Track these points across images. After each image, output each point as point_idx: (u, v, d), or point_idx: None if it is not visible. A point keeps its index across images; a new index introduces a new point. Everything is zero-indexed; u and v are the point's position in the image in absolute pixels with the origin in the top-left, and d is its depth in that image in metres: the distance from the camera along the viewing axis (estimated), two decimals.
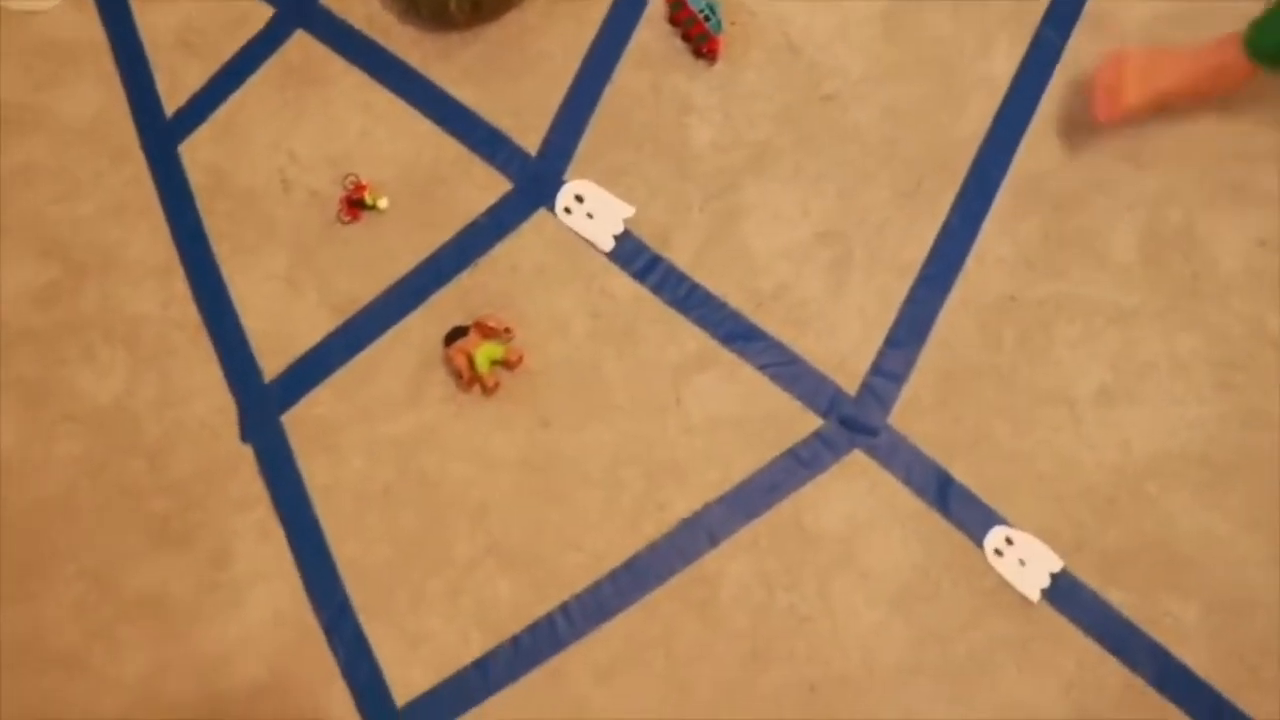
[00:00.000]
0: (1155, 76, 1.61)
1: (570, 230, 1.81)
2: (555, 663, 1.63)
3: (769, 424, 1.68)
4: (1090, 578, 1.55)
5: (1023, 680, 1.54)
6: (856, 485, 1.64)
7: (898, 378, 1.67)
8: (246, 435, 1.81)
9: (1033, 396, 1.63)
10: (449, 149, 1.89)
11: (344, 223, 1.87)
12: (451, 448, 1.74)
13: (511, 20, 1.93)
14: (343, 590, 1.71)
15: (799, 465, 1.66)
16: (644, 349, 1.74)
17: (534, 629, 1.65)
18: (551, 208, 1.82)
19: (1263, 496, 1.55)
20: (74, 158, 2.01)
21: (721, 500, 1.66)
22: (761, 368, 1.70)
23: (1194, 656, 1.51)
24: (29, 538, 1.81)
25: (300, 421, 1.80)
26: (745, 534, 1.64)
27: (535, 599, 1.66)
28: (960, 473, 1.62)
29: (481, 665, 1.65)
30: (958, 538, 1.60)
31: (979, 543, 1.59)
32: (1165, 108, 1.67)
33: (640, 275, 1.77)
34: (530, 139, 1.87)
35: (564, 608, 1.65)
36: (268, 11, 2.03)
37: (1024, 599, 1.56)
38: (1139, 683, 1.52)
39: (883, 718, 1.56)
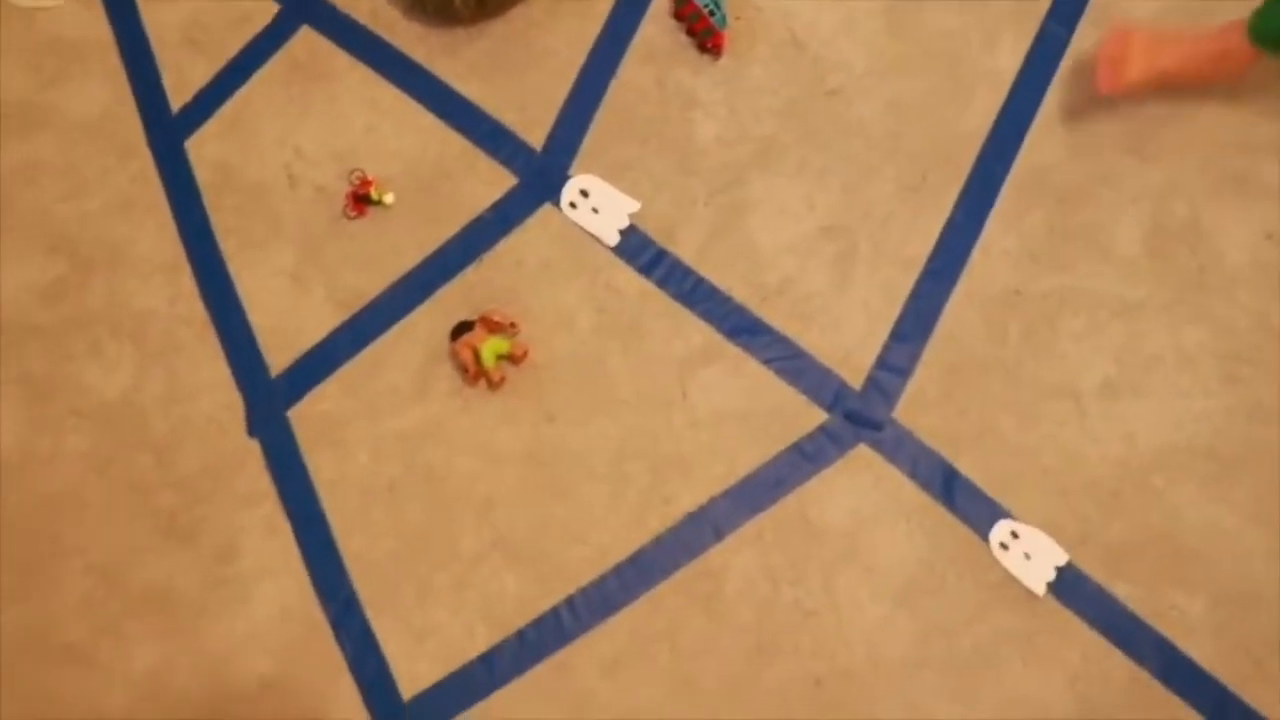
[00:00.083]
0: (1160, 54, 1.62)
1: (575, 225, 1.81)
2: (561, 656, 1.64)
3: (774, 418, 1.68)
4: (1095, 571, 1.55)
5: (1028, 674, 1.54)
6: (861, 479, 1.64)
7: (903, 372, 1.67)
8: (253, 430, 1.81)
9: (1038, 390, 1.63)
10: (454, 144, 1.89)
11: (350, 218, 1.88)
12: (457, 442, 1.75)
13: (516, 16, 1.94)
14: (349, 585, 1.71)
15: (804, 459, 1.66)
16: (649, 343, 1.74)
17: (539, 623, 1.65)
18: (557, 203, 1.82)
19: (1269, 489, 1.55)
20: (81, 154, 2.02)
21: (726, 494, 1.66)
22: (766, 362, 1.70)
23: (1199, 650, 1.51)
24: (37, 533, 1.81)
25: (307, 416, 1.80)
26: (750, 528, 1.65)
27: (541, 593, 1.66)
28: (965, 466, 1.62)
29: (487, 659, 1.65)
30: (963, 531, 1.60)
31: (984, 536, 1.59)
32: (1167, 87, 1.67)
33: (645, 270, 1.77)
34: (535, 134, 1.87)
35: (569, 602, 1.65)
36: (273, 8, 2.04)
37: (1029, 593, 1.56)
38: (1144, 676, 1.52)
39: (888, 711, 1.56)
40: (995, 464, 1.62)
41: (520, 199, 1.84)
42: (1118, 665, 1.52)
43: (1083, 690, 1.52)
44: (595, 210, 1.81)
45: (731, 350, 1.72)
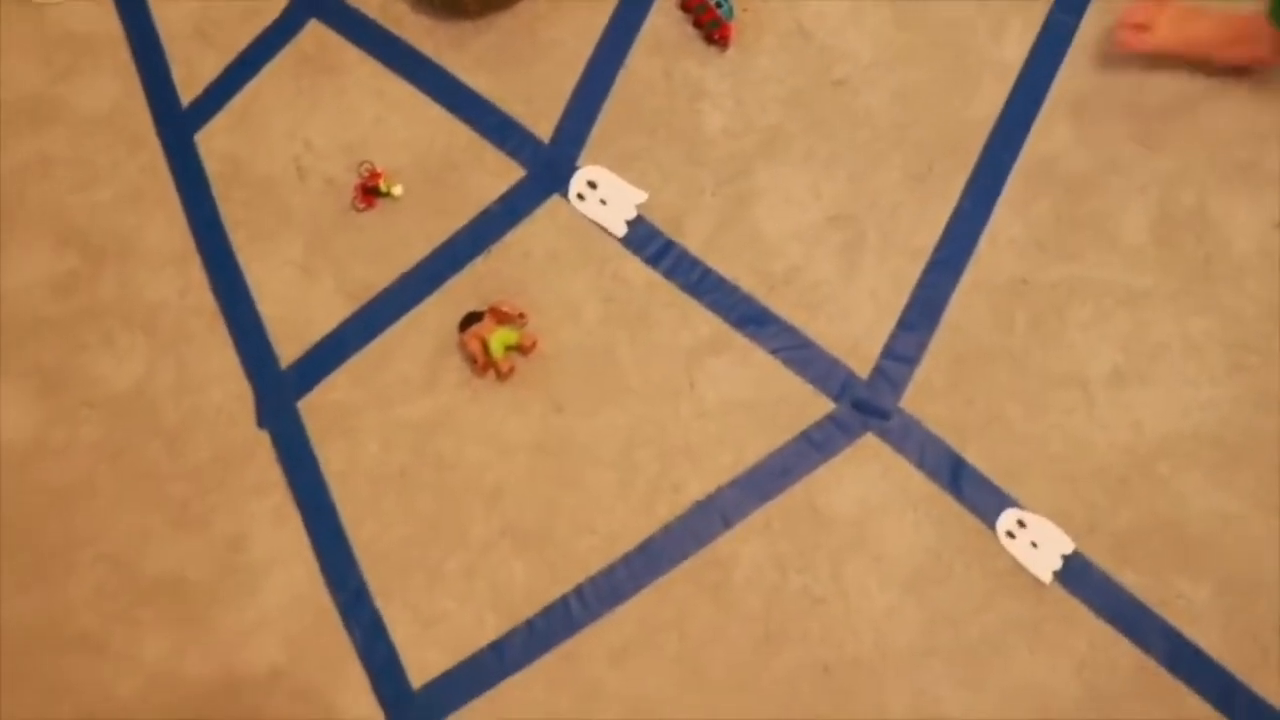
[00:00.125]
0: (1190, 24, 1.63)
1: (583, 216, 1.82)
2: (569, 645, 1.65)
3: (782, 407, 1.69)
4: (1102, 559, 1.56)
5: (1035, 661, 1.54)
6: (869, 468, 1.65)
7: (910, 361, 1.67)
8: (263, 421, 1.82)
9: (1045, 379, 1.64)
10: (462, 136, 1.90)
11: (359, 210, 1.89)
12: (466, 432, 1.75)
13: (523, 8, 1.94)
14: (359, 573, 1.72)
15: (812, 448, 1.66)
16: (657, 333, 1.75)
17: (548, 612, 1.66)
18: (564, 194, 1.83)
19: (1275, 477, 1.55)
20: (91, 148, 2.03)
21: (734, 483, 1.67)
22: (774, 351, 1.71)
23: (1206, 637, 1.51)
24: (50, 522, 1.83)
25: (316, 407, 1.81)
26: (758, 517, 1.65)
27: (550, 581, 1.67)
28: (972, 455, 1.62)
29: (497, 647, 1.66)
30: (970, 520, 1.60)
31: (991, 525, 1.59)
32: (1188, 58, 1.68)
33: (653, 260, 1.78)
34: (543, 126, 1.88)
35: (578, 590, 1.66)
36: (282, 1, 2.05)
37: (1036, 581, 1.56)
38: (1151, 664, 1.52)
39: (896, 699, 1.56)
40: (1002, 453, 1.62)
41: (528, 190, 1.85)
42: (1124, 653, 1.53)
43: (1089, 678, 1.52)
44: (603, 201, 1.81)
45: (739, 340, 1.72)
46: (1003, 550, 1.58)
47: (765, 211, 1.77)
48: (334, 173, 1.92)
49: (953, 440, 1.63)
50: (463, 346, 1.76)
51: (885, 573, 1.61)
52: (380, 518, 1.74)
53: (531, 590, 1.67)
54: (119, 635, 1.76)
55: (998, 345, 1.66)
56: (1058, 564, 1.56)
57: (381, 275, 1.85)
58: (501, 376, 1.75)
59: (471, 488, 1.73)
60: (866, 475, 1.64)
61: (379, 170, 1.89)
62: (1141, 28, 1.67)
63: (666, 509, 1.67)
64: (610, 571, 1.66)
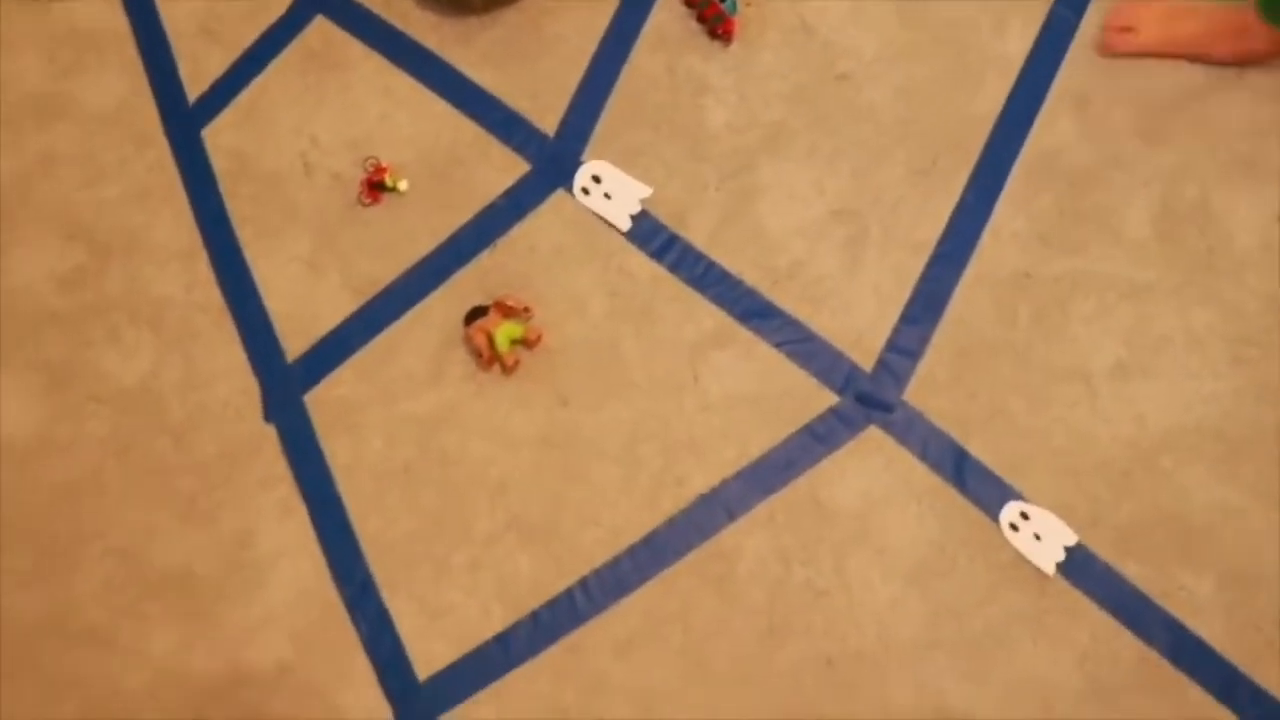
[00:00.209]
0: (1176, 23, 1.64)
1: (588, 211, 1.83)
2: (574, 637, 1.65)
3: (785, 401, 1.69)
4: (1105, 551, 1.56)
5: (1038, 653, 1.55)
6: (872, 461, 1.65)
7: (913, 354, 1.68)
8: (270, 415, 1.83)
9: (1048, 372, 1.64)
10: (467, 131, 1.91)
11: (365, 205, 1.89)
12: (471, 426, 1.76)
13: (528, 4, 1.95)
14: (365, 567, 1.73)
15: (815, 442, 1.67)
16: (661, 327, 1.76)
17: (553, 604, 1.67)
18: (569, 189, 1.84)
19: (1276, 470, 1.55)
20: (98, 144, 2.04)
21: (739, 476, 1.67)
22: (778, 345, 1.72)
23: (1209, 629, 1.52)
24: (57, 517, 1.83)
25: (322, 401, 1.82)
26: (762, 510, 1.66)
27: (554, 574, 1.68)
28: (976, 448, 1.63)
29: (502, 640, 1.67)
30: (973, 513, 1.61)
31: (994, 517, 1.60)
32: (1177, 55, 1.69)
33: (657, 254, 1.78)
34: (548, 121, 1.89)
35: (583, 583, 1.67)
36: None
37: (1039, 573, 1.57)
38: (1154, 655, 1.52)
39: (899, 691, 1.57)
40: (1006, 446, 1.63)
41: (533, 185, 1.86)
42: (1127, 645, 1.53)
43: (1092, 670, 1.53)
44: (607, 196, 1.82)
45: (743, 334, 1.73)
46: (1006, 543, 1.59)
47: (769, 206, 1.78)
48: (340, 168, 1.93)
49: (956, 433, 1.64)
50: (468, 341, 1.77)
51: (888, 565, 1.61)
52: (386, 511, 1.75)
53: (536, 583, 1.68)
54: (126, 629, 1.77)
55: (1001, 339, 1.67)
56: (1061, 556, 1.56)
57: (387, 270, 1.86)
58: (506, 371, 1.75)
59: (477, 481, 1.74)
60: (870, 468, 1.65)
61: (385, 165, 1.89)
62: (1128, 29, 1.68)
63: (671, 502, 1.68)
64: (615, 564, 1.67)
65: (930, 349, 1.68)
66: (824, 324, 1.71)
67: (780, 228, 1.76)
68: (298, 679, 1.71)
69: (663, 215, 1.80)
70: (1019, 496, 1.60)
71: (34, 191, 2.01)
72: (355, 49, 2.00)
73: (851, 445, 1.66)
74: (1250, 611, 1.52)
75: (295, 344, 1.86)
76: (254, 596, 1.75)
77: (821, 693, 1.58)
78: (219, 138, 1.99)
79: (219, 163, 1.98)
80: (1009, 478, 1.61)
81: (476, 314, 1.76)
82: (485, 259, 1.83)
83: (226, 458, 1.82)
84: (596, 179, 1.83)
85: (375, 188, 1.89)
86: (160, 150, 2.01)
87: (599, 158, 1.85)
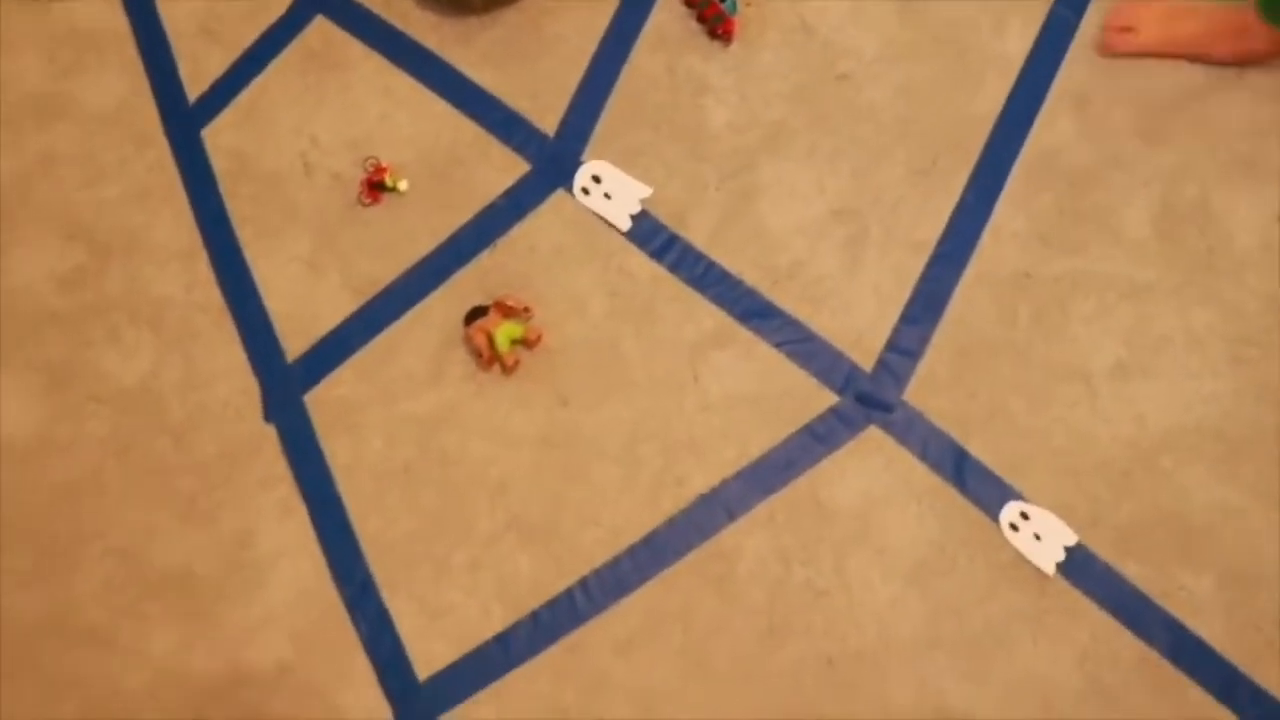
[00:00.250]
0: (1175, 23, 1.64)
1: (588, 210, 1.83)
2: (574, 637, 1.65)
3: (785, 401, 1.69)
4: (1105, 551, 1.56)
5: (1038, 653, 1.55)
6: (872, 461, 1.65)
7: (913, 354, 1.68)
8: (269, 415, 1.83)
9: (1048, 372, 1.64)
10: (467, 131, 1.91)
11: (365, 205, 1.89)
12: (471, 426, 1.76)
13: (528, 4, 1.95)
14: (365, 567, 1.73)
15: (815, 441, 1.67)
16: (661, 327, 1.76)
17: (553, 604, 1.67)
18: (569, 189, 1.84)
19: (1276, 470, 1.55)
20: (98, 144, 2.04)
21: (739, 476, 1.67)
22: (778, 345, 1.72)
23: (1209, 629, 1.52)
24: (57, 517, 1.83)
25: (322, 401, 1.82)
26: (762, 510, 1.66)
27: (555, 574, 1.68)
28: (976, 448, 1.63)
29: (502, 639, 1.67)
30: (973, 513, 1.61)
31: (994, 517, 1.60)
32: (1177, 55, 1.69)
33: (657, 254, 1.78)
34: (548, 121, 1.89)
35: (583, 583, 1.67)
36: None
37: (1039, 573, 1.57)
38: (1154, 655, 1.52)
39: (899, 690, 1.57)
40: (1006, 445, 1.63)
41: (533, 185, 1.86)
42: (1127, 644, 1.53)
43: (1092, 669, 1.53)
44: (607, 196, 1.82)
45: (743, 334, 1.73)
46: (1006, 543, 1.59)
47: (769, 206, 1.78)
48: (340, 168, 1.93)
49: (956, 433, 1.64)
50: (468, 341, 1.77)
51: (888, 565, 1.61)
52: (386, 511, 1.75)
53: (537, 583, 1.68)
54: (126, 629, 1.77)
55: (1001, 338, 1.67)
56: (1060, 556, 1.56)
57: (387, 270, 1.86)
58: (507, 370, 1.75)
59: (477, 481, 1.74)
60: (870, 468, 1.65)
61: (385, 165, 1.89)
62: (1128, 29, 1.69)
63: (671, 502, 1.68)
64: (615, 564, 1.67)
65: (930, 349, 1.68)
66: (824, 324, 1.71)
67: (780, 227, 1.76)
68: (298, 679, 1.71)
69: (663, 215, 1.80)
70: (1019, 496, 1.60)
71: (34, 191, 2.01)
72: (355, 49, 2.00)
73: (851, 445, 1.66)
74: (1250, 611, 1.52)
75: (295, 344, 1.86)
76: (254, 596, 1.75)
77: (821, 692, 1.58)
78: (219, 138, 1.99)
79: (219, 163, 1.98)
80: (1009, 478, 1.61)
81: (476, 314, 1.76)
82: (485, 259, 1.83)
83: (226, 458, 1.82)
84: (596, 179, 1.83)
85: (375, 188, 1.89)
86: (160, 150, 2.01)
87: (599, 158, 1.85)
